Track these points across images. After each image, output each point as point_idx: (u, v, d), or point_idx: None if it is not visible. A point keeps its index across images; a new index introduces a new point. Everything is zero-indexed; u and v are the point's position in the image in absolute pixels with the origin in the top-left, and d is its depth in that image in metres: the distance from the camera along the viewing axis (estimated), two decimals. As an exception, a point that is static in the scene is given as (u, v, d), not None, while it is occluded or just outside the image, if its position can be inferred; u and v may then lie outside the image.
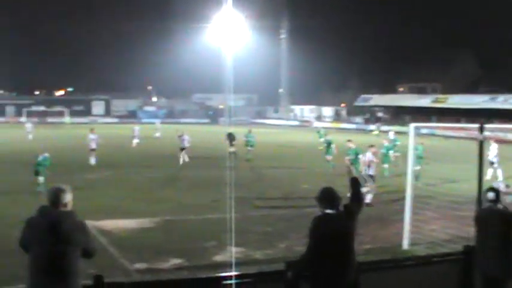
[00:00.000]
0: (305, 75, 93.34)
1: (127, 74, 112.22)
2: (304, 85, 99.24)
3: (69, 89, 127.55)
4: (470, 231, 7.43)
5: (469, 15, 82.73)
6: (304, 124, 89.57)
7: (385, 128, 61.13)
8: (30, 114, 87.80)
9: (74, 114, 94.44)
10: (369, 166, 18.78)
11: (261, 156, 33.04)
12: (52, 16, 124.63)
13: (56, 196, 5.41)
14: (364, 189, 18.12)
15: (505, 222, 7.53)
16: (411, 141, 12.90)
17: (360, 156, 20.24)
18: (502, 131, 37.16)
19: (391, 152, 26.97)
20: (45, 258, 5.15)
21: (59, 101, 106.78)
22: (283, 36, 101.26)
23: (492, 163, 25.08)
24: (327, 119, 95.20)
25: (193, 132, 60.79)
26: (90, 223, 14.13)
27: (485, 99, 67.01)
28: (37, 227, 5.25)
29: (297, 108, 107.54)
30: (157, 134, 53.10)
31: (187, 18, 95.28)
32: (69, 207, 5.48)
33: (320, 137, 39.87)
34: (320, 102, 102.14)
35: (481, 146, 10.97)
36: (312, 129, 62.53)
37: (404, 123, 66.21)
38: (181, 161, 28.47)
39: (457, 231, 12.70)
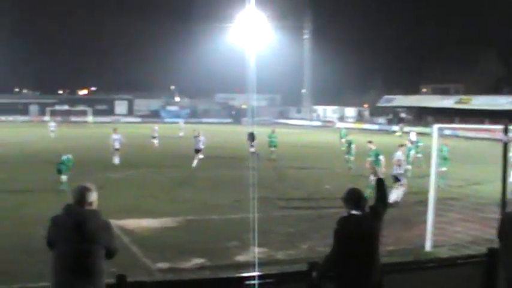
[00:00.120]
0: (328, 75, 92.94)
1: (150, 74, 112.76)
2: (327, 85, 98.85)
3: (93, 89, 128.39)
4: (494, 233, 7.35)
5: (492, 14, 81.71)
6: (327, 124, 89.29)
7: (408, 129, 60.61)
8: (53, 114, 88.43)
9: (97, 113, 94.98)
10: (399, 165, 18.68)
11: (283, 157, 33.03)
12: (76, 16, 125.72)
13: (81, 195, 5.44)
14: (395, 190, 18.16)
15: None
16: (435, 142, 12.79)
17: (381, 157, 20.14)
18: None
19: (412, 153, 26.80)
20: (69, 257, 5.17)
21: (82, 100, 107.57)
22: (306, 36, 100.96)
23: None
24: (349, 120, 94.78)
25: (216, 132, 61.26)
26: (112, 222, 14.15)
27: (510, 100, 66.17)
28: (62, 225, 5.28)
29: (320, 109, 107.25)
30: (181, 134, 53.31)
31: (210, 18, 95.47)
32: (94, 206, 5.51)
33: (341, 137, 39.76)
34: (343, 103, 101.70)
35: (505, 147, 10.87)
36: (335, 130, 62.31)
37: (427, 124, 65.82)
38: (195, 163, 28.10)
39: (481, 233, 12.59)
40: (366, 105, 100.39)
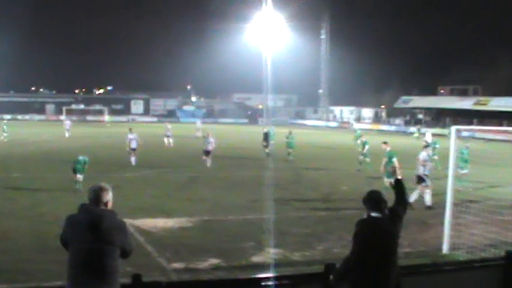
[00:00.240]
0: (345, 76, 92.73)
1: (166, 73, 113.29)
2: (344, 86, 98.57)
3: (109, 88, 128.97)
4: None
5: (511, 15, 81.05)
6: (344, 125, 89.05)
7: (425, 130, 60.26)
8: (69, 113, 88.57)
9: (113, 112, 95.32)
10: (424, 166, 18.57)
11: (299, 157, 32.99)
12: (93, 15, 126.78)
13: (96, 194, 5.44)
14: (416, 191, 18.06)
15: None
16: (452, 144, 12.70)
17: (394, 159, 20.06)
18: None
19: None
20: (84, 256, 5.19)
21: (99, 100, 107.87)
22: (323, 36, 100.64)
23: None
24: (366, 121, 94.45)
25: (232, 132, 61.42)
26: (128, 221, 14.30)
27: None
28: (77, 224, 5.28)
29: (337, 109, 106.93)
30: (198, 134, 53.15)
31: (227, 18, 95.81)
32: (110, 206, 5.51)
33: (356, 138, 39.64)
34: (360, 104, 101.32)
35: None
36: (351, 131, 62.13)
37: (445, 126, 65.44)
38: (209, 163, 28.11)
39: (499, 235, 12.50)
40: (383, 106, 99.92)
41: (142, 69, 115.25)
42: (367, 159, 28.18)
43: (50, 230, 12.28)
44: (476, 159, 24.03)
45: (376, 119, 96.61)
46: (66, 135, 48.03)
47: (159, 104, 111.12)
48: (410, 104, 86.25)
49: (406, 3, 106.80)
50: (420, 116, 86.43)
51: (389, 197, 6.34)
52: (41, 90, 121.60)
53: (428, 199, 17.97)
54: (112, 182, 19.64)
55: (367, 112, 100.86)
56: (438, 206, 17.08)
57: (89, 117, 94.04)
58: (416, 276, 7.28)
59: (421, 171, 18.48)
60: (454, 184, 12.81)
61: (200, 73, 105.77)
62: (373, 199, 6.24)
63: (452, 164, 12.70)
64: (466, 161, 23.15)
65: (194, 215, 16.07)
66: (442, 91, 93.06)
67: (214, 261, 11.53)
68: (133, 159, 27.96)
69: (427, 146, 20.12)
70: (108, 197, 5.52)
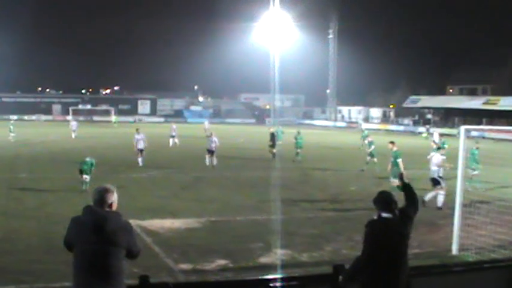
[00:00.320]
0: (353, 75, 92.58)
1: (173, 74, 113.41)
2: (352, 86, 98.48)
3: (116, 88, 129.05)
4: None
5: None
6: (352, 125, 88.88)
7: (433, 130, 60.06)
8: (76, 113, 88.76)
9: (120, 113, 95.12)
10: (439, 168, 18.47)
11: (308, 158, 32.90)
12: (99, 16, 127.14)
13: (101, 196, 5.42)
14: (433, 193, 17.97)
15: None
16: (462, 144, 12.62)
17: (399, 160, 19.96)
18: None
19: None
20: (88, 258, 5.18)
21: (105, 100, 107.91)
22: (331, 36, 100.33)
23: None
24: (374, 121, 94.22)
25: (239, 132, 61.36)
26: (135, 222, 14.35)
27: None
28: (82, 226, 5.26)
29: (345, 109, 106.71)
30: (207, 134, 52.93)
31: (234, 18, 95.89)
32: (114, 208, 5.49)
33: (363, 138, 39.53)
34: (368, 103, 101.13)
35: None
36: (359, 131, 61.99)
37: (454, 126, 65.19)
38: (214, 161, 27.95)
39: (508, 236, 12.43)
40: (391, 106, 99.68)
41: (149, 70, 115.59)
42: (375, 160, 28.05)
43: (56, 231, 12.22)
44: (486, 159, 23.90)
45: (385, 119, 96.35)
46: (73, 136, 47.98)
47: (166, 104, 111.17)
48: (419, 104, 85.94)
49: (414, 3, 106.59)
50: (429, 116, 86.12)
51: (398, 198, 6.30)
52: (48, 90, 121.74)
53: (440, 201, 17.90)
54: (119, 183, 19.70)
55: (376, 112, 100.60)
56: (447, 207, 17.03)
57: (96, 118, 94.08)
58: (426, 277, 7.23)
59: (436, 173, 18.38)
60: (463, 185, 12.74)
61: (207, 73, 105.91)
62: (384, 200, 6.23)
63: (461, 164, 12.61)
64: (477, 162, 23.03)
65: (201, 216, 16.04)
66: (451, 91, 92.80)
67: (221, 262, 11.49)
68: (140, 160, 27.89)
69: (439, 148, 19.98)
70: (113, 198, 5.49)
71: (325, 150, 41.86)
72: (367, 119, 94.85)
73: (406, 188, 6.67)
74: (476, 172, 22.69)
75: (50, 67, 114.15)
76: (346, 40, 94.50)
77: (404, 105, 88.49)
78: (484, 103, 73.78)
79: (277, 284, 6.36)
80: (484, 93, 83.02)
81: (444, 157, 18.77)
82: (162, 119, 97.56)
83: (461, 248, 12.24)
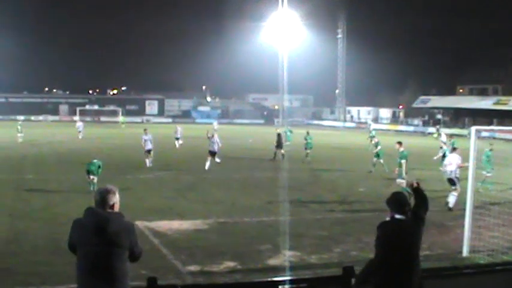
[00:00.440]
0: (362, 75, 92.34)
1: (181, 74, 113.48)
2: (361, 86, 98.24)
3: (123, 88, 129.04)
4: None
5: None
6: (361, 126, 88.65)
7: (444, 130, 59.76)
8: (83, 113, 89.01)
9: (127, 113, 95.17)
10: (457, 168, 18.31)
11: (316, 158, 32.76)
12: (107, 16, 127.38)
13: (102, 197, 5.39)
14: (454, 194, 17.82)
15: None
16: (472, 144, 12.48)
17: (403, 161, 19.81)
18: None
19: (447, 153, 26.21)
20: (91, 260, 5.16)
21: (113, 100, 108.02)
22: (339, 35, 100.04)
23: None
24: (384, 121, 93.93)
25: (248, 133, 61.30)
26: (143, 223, 14.34)
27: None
28: (83, 228, 5.25)
29: (354, 110, 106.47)
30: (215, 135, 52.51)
31: (242, 17, 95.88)
32: (116, 209, 5.46)
33: (370, 138, 39.36)
34: (377, 104, 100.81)
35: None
36: (368, 131, 61.82)
37: (464, 126, 64.84)
38: (208, 166, 26.97)
39: (520, 238, 12.25)
40: (400, 106, 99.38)
41: (157, 70, 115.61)
42: (381, 161, 27.87)
43: (63, 232, 12.05)
44: (496, 160, 23.73)
45: (394, 119, 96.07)
46: (79, 137, 47.84)
47: (173, 104, 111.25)
48: (429, 104, 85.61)
49: (424, 2, 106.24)
50: (439, 116, 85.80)
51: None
52: (55, 90, 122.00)
53: (452, 201, 17.77)
54: (126, 184, 19.67)
55: (385, 112, 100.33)
56: (458, 208, 16.88)
57: (103, 118, 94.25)
58: (436, 280, 7.15)
59: (453, 174, 18.23)
60: (474, 186, 12.60)
61: (215, 73, 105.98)
62: (398, 201, 6.21)
63: (472, 165, 12.48)
64: (490, 164, 22.85)
65: (209, 217, 15.94)
66: (461, 91, 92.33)
67: (230, 264, 11.40)
68: (148, 161, 27.79)
69: (455, 148, 19.78)
70: (115, 199, 5.46)
71: (334, 151, 41.74)
72: (376, 120, 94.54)
73: (417, 193, 6.57)
74: (489, 174, 22.50)
75: (57, 67, 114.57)
76: (355, 39, 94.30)
77: (414, 105, 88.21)
78: (495, 103, 73.39)
79: (286, 286, 6.33)
80: (495, 93, 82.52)
81: (458, 159, 18.58)
82: (170, 120, 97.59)
83: (472, 250, 12.11)
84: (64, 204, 17.14)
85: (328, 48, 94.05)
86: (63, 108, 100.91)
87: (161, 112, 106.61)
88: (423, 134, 71.26)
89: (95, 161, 19.97)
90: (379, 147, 28.55)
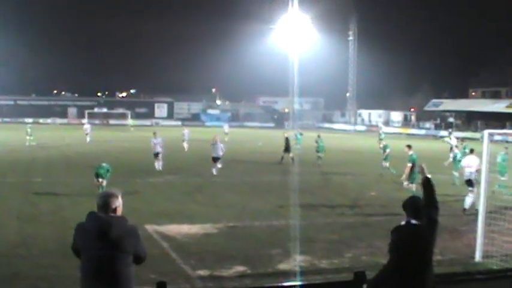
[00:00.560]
0: (373, 78, 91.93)
1: (191, 76, 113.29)
2: (372, 89, 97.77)
3: (132, 91, 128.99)
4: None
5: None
6: (372, 129, 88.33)
7: (456, 134, 59.38)
8: (92, 116, 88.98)
9: (136, 116, 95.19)
10: (476, 171, 18.18)
11: (327, 162, 32.60)
12: (115, 18, 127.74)
13: (104, 201, 5.36)
14: (470, 195, 17.68)
15: None
16: (485, 148, 12.37)
17: (409, 164, 19.65)
18: None
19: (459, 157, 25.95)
20: (94, 265, 5.13)
21: (122, 103, 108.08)
22: (350, 38, 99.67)
23: None
24: (395, 124, 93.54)
25: (258, 136, 61.24)
26: (152, 227, 14.33)
27: None
28: (86, 232, 5.23)
29: (365, 113, 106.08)
30: (226, 139, 52.26)
31: (252, 20, 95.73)
32: (119, 213, 5.41)
33: (379, 141, 39.19)
34: (388, 107, 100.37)
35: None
36: (379, 135, 61.61)
37: (476, 129, 64.46)
38: (215, 172, 26.81)
39: (533, 243, 12.09)
40: (412, 110, 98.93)
41: (166, 72, 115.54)
42: (387, 164, 27.72)
43: (72, 236, 12.14)
44: (510, 163, 23.57)
45: (406, 122, 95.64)
46: (87, 140, 47.60)
47: (183, 107, 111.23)
48: (441, 107, 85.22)
49: (435, 4, 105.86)
50: (451, 120, 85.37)
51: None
52: (63, 93, 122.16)
53: (468, 203, 17.65)
54: (135, 187, 19.64)
55: (396, 115, 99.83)
56: (470, 213, 16.73)
57: (112, 121, 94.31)
58: (449, 285, 7.14)
59: (472, 175, 18.09)
60: (487, 190, 12.47)
61: (225, 76, 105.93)
62: (414, 205, 6.09)
63: (485, 168, 12.36)
64: (505, 167, 22.67)
65: (219, 221, 15.86)
66: (473, 94, 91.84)
67: (240, 268, 11.33)
68: (157, 164, 27.72)
69: (472, 150, 19.62)
70: (117, 203, 5.42)
71: (344, 154, 41.59)
72: (387, 123, 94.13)
73: (427, 186, 6.37)
74: (504, 178, 22.31)
75: (65, 70, 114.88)
76: (366, 42, 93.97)
77: (426, 108, 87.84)
78: (508, 106, 72.98)
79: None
80: (508, 96, 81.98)
81: (478, 161, 18.39)
82: (179, 123, 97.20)
83: (485, 255, 12.01)
84: (73, 208, 17.11)
85: (339, 50, 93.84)
86: (72, 111, 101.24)
87: (170, 115, 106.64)
88: (435, 137, 70.86)
89: (104, 164, 19.89)
90: (388, 151, 28.39)
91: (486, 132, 12.74)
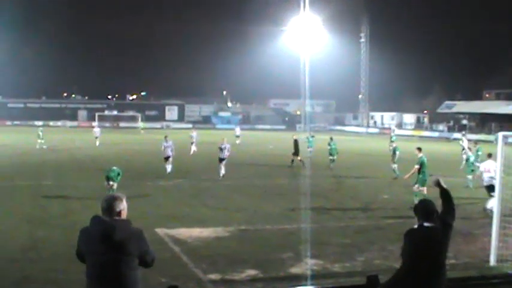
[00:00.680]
0: (386, 80, 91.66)
1: (202, 79, 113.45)
2: (384, 91, 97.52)
3: (142, 94, 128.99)
4: None
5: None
6: (385, 132, 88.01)
7: (470, 136, 58.99)
8: (102, 119, 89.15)
9: (147, 119, 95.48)
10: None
11: (339, 165, 32.41)
12: (126, 20, 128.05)
13: (109, 204, 5.33)
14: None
15: None
16: (499, 150, 12.21)
17: (416, 166, 19.50)
18: None
19: (472, 159, 25.67)
20: (98, 268, 5.10)
21: (132, 106, 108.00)
22: (362, 40, 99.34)
23: None
24: (408, 127, 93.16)
25: (269, 139, 61.17)
26: (163, 231, 14.29)
27: None
28: (90, 237, 5.19)
29: (377, 115, 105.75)
30: (237, 141, 52.20)
31: (263, 22, 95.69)
32: (124, 216, 5.37)
33: (390, 144, 39.02)
34: (401, 109, 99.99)
35: None
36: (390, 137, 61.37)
37: (490, 132, 64.00)
38: (222, 174, 26.49)
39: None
40: (425, 112, 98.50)
41: (177, 75, 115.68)
42: (395, 165, 27.60)
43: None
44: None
45: (418, 124, 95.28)
46: (97, 143, 47.14)
47: (194, 110, 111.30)
48: (454, 109, 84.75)
49: (448, 5, 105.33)
50: (464, 122, 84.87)
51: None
52: (73, 96, 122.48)
53: (490, 204, 17.40)
54: (146, 190, 19.61)
55: (409, 118, 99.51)
56: (484, 216, 16.54)
57: (122, 124, 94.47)
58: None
59: (493, 181, 17.86)
60: (502, 193, 12.30)
61: (236, 78, 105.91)
62: (427, 208, 6.08)
63: (499, 171, 12.20)
64: None
65: (230, 224, 15.77)
66: (487, 95, 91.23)
67: (251, 272, 11.24)
68: (168, 167, 27.64)
69: (490, 154, 19.39)
70: (122, 206, 5.37)
71: (357, 157, 41.42)
72: (400, 125, 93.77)
73: (443, 194, 6.48)
74: None
75: (75, 72, 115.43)
76: (378, 43, 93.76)
77: (439, 110, 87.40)
78: (523, 108, 72.47)
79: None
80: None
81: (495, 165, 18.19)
82: (190, 125, 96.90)
83: (500, 259, 11.85)
84: (83, 212, 17.03)
85: (350, 52, 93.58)
86: (82, 113, 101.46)
87: (181, 118, 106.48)
88: (448, 139, 70.44)
89: (115, 168, 19.83)
90: (397, 153, 28.25)
91: (500, 134, 12.58)
